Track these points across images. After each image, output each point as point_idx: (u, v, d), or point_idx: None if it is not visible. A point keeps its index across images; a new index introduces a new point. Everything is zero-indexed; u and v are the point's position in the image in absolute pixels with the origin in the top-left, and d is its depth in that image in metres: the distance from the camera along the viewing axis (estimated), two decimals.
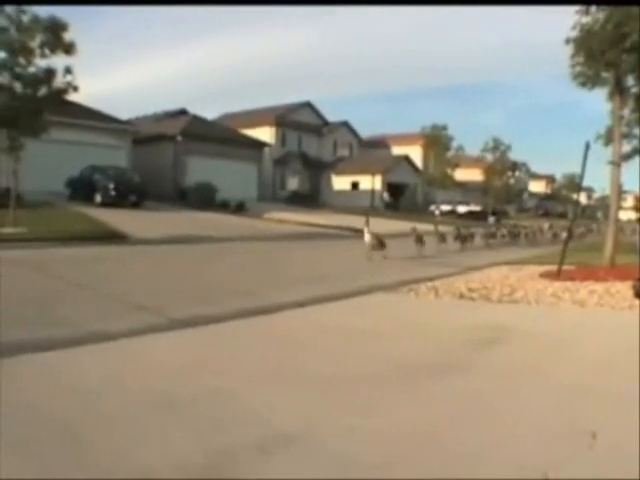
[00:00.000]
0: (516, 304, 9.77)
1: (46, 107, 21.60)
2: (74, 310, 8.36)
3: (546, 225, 38.28)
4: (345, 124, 64.79)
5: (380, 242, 17.26)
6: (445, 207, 55.06)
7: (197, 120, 46.79)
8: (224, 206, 35.91)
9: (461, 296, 10.51)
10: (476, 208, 58.24)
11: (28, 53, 21.05)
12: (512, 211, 68.25)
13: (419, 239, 19.45)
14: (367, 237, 17.37)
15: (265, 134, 52.70)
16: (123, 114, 43.06)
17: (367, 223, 17.52)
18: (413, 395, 4.98)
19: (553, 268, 13.56)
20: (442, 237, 21.64)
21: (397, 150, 65.06)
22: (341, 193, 55.58)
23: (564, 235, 29.69)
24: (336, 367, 5.77)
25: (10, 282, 9.94)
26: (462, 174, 58.64)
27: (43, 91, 21.41)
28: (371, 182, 55.02)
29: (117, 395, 4.79)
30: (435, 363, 5.97)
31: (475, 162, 60.00)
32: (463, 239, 23.35)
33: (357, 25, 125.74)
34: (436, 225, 22.41)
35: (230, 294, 10.36)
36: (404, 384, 5.29)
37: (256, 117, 55.91)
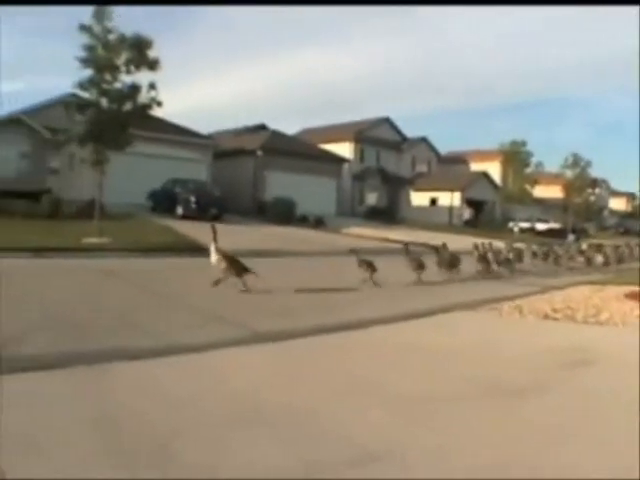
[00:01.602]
0: (602, 326, 9.52)
1: (131, 122, 22.21)
2: (157, 320, 8.49)
3: (584, 246, 29.29)
4: (424, 140, 64.38)
5: (234, 265, 11.72)
6: (524, 224, 54.14)
7: (277, 135, 47.26)
8: (303, 221, 36.05)
9: (546, 316, 10.27)
10: (555, 226, 57.04)
11: (114, 70, 21.71)
12: (592, 229, 66.54)
13: (366, 265, 13.68)
14: (214, 258, 11.83)
15: (344, 149, 52.78)
16: (203, 128, 43.72)
17: (214, 239, 12.07)
18: (500, 416, 4.89)
19: (637, 289, 13.13)
20: (420, 265, 14.71)
21: (475, 166, 64.40)
22: (419, 209, 55.15)
23: (599, 260, 24.17)
24: (419, 386, 5.70)
25: (96, 291, 10.21)
26: (541, 191, 57.64)
27: (128, 106, 22.02)
28: (450, 198, 54.57)
29: (203, 408, 4.82)
30: (521, 384, 5.89)
31: (554, 179, 58.86)
32: (450, 264, 16.26)
33: (436, 41, 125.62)
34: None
35: (309, 309, 10.31)
36: (490, 405, 5.23)
37: (335, 133, 56.09)
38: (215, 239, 12.07)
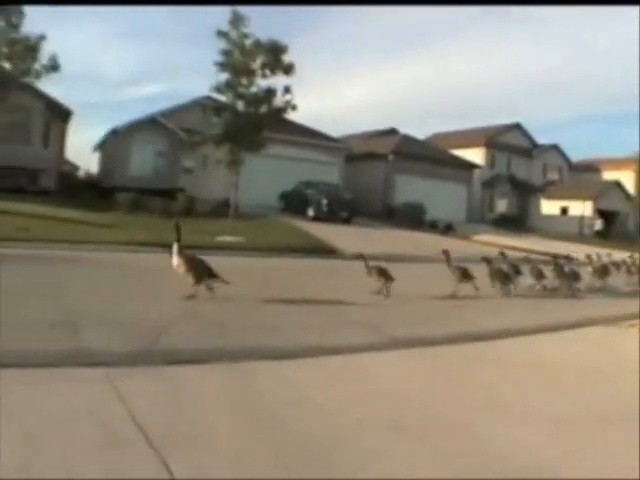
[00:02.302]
0: None
1: (266, 124, 22.68)
2: (291, 321, 8.51)
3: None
4: (555, 147, 62.38)
5: (196, 269, 9.61)
6: None
7: (408, 139, 47.00)
8: (433, 226, 35.65)
9: None
10: None
11: (250, 74, 22.25)
12: None
13: (377, 272, 11.69)
14: (175, 260, 9.70)
15: (474, 155, 51.86)
16: (335, 132, 44.06)
17: (177, 238, 9.86)
18: None
19: None
20: (465, 275, 12.63)
21: (608, 175, 61.45)
22: (549, 218, 53.35)
23: None
24: (562, 404, 5.51)
25: (233, 291, 10.36)
26: None
27: (263, 109, 22.51)
28: (580, 208, 52.65)
29: (350, 412, 4.83)
30: None
31: None
32: (504, 278, 13.52)
33: (568, 45, 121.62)
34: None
35: (439, 316, 10.05)
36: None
37: (466, 138, 55.20)
38: (179, 238, 9.93)
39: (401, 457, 3.91)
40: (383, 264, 12.18)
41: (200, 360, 5.84)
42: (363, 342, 7.31)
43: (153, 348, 6.15)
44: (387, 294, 11.35)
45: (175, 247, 9.77)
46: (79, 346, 5.94)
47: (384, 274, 11.61)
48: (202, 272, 9.54)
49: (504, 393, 5.73)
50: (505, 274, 13.68)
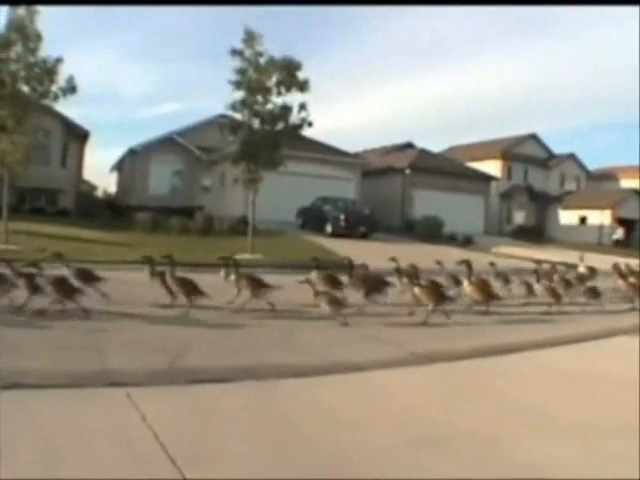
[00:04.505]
0: None
1: (283, 142, 22.73)
2: (315, 337, 8.57)
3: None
4: (572, 156, 62.17)
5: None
6: None
7: (424, 153, 47.11)
8: (451, 239, 35.54)
9: None
10: None
11: (265, 92, 22.32)
12: None
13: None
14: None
15: (491, 167, 51.76)
16: (351, 147, 44.19)
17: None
18: None
19: None
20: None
21: (626, 183, 60.94)
22: (568, 228, 53.00)
23: None
24: (587, 415, 5.46)
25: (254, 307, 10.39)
26: None
27: (280, 127, 22.57)
28: (599, 217, 52.26)
29: (376, 428, 4.84)
30: None
31: None
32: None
33: (583, 52, 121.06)
34: None
35: (458, 332, 9.99)
36: None
37: (482, 150, 55.14)
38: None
39: (434, 473, 3.91)
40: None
41: (224, 379, 5.90)
42: (384, 357, 7.35)
43: (178, 363, 6.25)
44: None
45: None
46: (102, 367, 5.97)
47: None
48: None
49: (524, 405, 5.72)
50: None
